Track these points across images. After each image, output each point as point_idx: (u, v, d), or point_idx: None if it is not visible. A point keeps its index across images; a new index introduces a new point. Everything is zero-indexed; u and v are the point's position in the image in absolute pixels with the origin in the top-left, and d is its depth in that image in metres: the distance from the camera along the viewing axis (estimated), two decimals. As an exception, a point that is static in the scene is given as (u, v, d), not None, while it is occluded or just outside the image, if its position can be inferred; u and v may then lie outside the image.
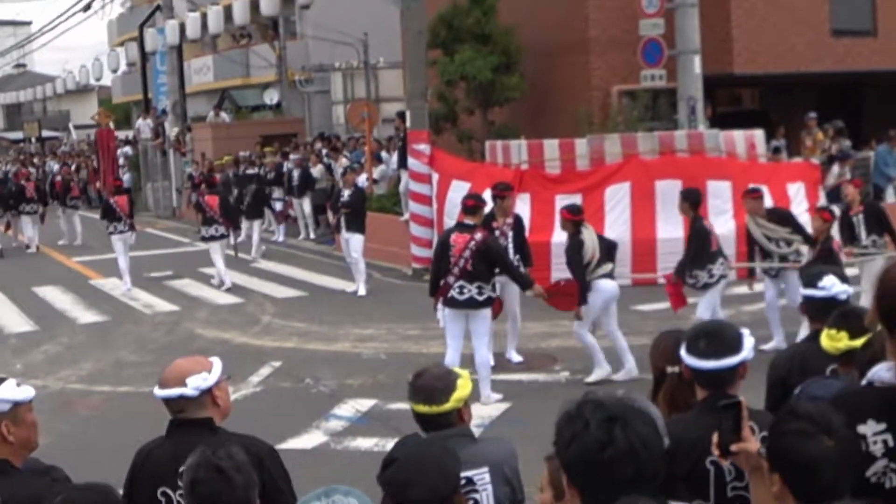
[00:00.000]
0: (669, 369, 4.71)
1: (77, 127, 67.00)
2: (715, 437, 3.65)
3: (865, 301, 10.86)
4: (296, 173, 27.84)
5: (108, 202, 22.23)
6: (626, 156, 19.27)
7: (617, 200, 18.79)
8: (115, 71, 51.94)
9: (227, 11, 34.47)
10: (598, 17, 26.20)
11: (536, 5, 27.30)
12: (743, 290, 14.99)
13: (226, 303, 19.59)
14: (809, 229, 14.19)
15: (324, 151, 29.99)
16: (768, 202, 16.71)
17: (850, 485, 3.43)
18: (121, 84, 60.18)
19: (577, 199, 18.83)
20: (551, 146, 19.85)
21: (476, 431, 5.34)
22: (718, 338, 4.36)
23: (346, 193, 19.61)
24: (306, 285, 21.12)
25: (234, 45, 48.54)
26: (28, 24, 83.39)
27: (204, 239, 21.32)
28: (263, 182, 28.32)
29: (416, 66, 22.09)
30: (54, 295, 21.50)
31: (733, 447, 3.60)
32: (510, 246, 13.48)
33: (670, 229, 17.57)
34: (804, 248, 13.74)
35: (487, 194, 14.05)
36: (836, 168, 22.30)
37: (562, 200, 18.69)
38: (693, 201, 13.35)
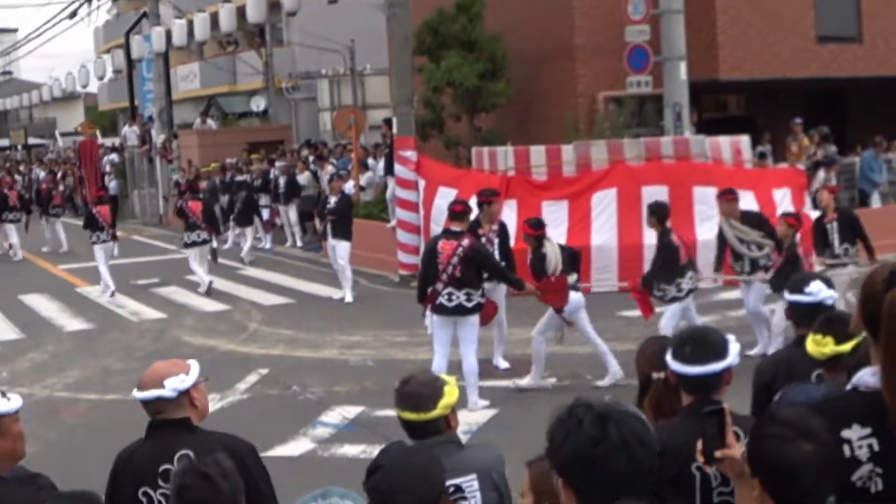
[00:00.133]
0: (655, 375, 4.72)
1: (63, 134, 66.89)
2: (699, 444, 3.66)
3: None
4: (282, 180, 27.83)
5: (90, 212, 22.38)
6: (612, 162, 19.31)
7: (603, 207, 18.83)
8: (101, 78, 51.76)
9: (214, 18, 34.42)
10: (584, 24, 26.24)
11: (522, 12, 27.33)
12: (728, 295, 15.02)
13: (213, 310, 19.56)
14: None
15: (310, 158, 29.99)
16: (755, 207, 16.80)
17: (830, 489, 3.45)
18: (107, 91, 60.07)
19: (563, 206, 18.93)
20: (538, 152, 19.87)
21: (463, 438, 5.36)
22: (704, 343, 4.37)
23: (333, 200, 19.61)
24: (293, 292, 21.10)
25: (221, 52, 48.50)
26: (14, 31, 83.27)
27: (186, 245, 21.37)
28: (252, 189, 28.33)
29: (402, 72, 22.10)
30: (40, 303, 21.44)
31: (717, 453, 3.60)
32: (496, 253, 13.49)
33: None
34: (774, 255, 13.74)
35: (474, 201, 14.06)
36: (821, 174, 22.35)
37: (549, 207, 18.78)
38: (661, 215, 13.20)
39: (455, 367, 11.90)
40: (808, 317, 5.76)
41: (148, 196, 38.51)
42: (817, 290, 6.09)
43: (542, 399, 12.10)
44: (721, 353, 4.33)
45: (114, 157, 43.25)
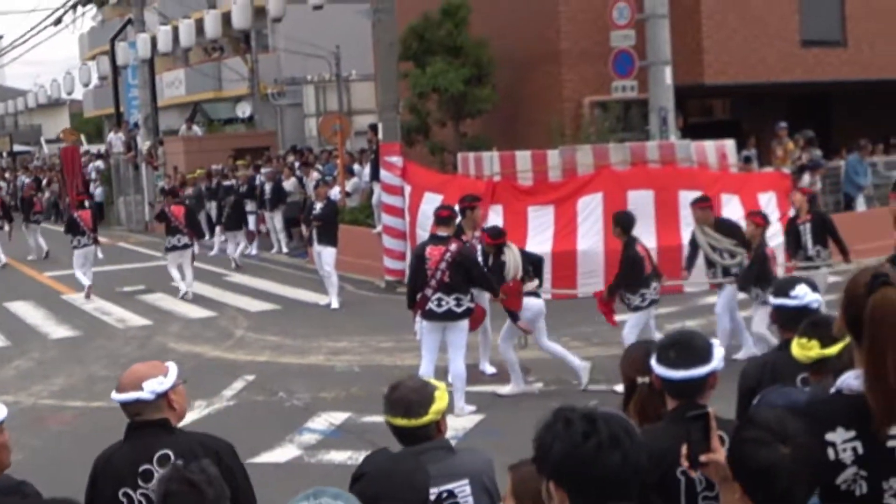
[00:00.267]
0: (640, 380, 4.73)
1: (49, 141, 66.67)
2: (684, 449, 3.66)
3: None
4: (268, 187, 27.78)
5: (72, 216, 22.59)
6: (598, 167, 19.33)
7: (589, 211, 18.85)
8: (86, 85, 51.63)
9: (199, 25, 34.39)
10: (570, 29, 26.26)
11: (508, 17, 27.35)
12: (714, 300, 15.01)
13: (198, 317, 19.53)
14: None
15: (296, 164, 29.97)
16: (740, 211, 16.85)
17: (806, 492, 3.45)
18: (92, 98, 59.94)
19: (549, 211, 18.94)
20: (523, 158, 19.88)
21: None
22: (688, 348, 4.38)
23: (319, 206, 19.60)
24: (279, 298, 21.08)
25: (206, 58, 48.46)
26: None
27: (167, 249, 21.40)
28: (238, 195, 28.30)
29: (387, 78, 22.10)
30: (26, 310, 21.38)
31: (703, 457, 3.61)
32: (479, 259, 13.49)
33: (643, 240, 17.54)
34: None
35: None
36: (806, 177, 22.40)
37: (534, 212, 18.81)
38: (624, 226, 13.11)
39: (441, 373, 11.90)
40: (793, 320, 5.76)
41: (133, 203, 38.44)
42: (803, 294, 6.11)
43: (529, 404, 12.11)
44: (705, 357, 4.34)
45: (99, 163, 43.18)
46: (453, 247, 11.91)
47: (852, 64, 27.47)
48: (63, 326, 19.42)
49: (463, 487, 4.83)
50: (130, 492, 4.83)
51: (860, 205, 24.01)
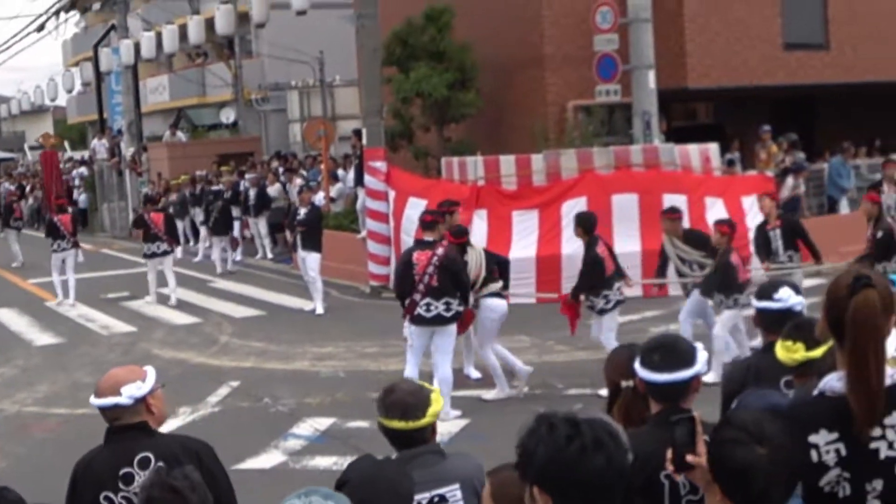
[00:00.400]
0: (624, 383, 4.72)
1: (32, 148, 66.54)
2: (669, 453, 3.66)
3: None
4: (252, 192, 27.76)
5: (51, 220, 22.65)
6: (582, 171, 19.33)
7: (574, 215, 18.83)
8: (70, 91, 51.61)
9: (183, 31, 34.30)
10: (554, 34, 26.27)
11: (492, 22, 27.34)
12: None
13: (183, 323, 19.50)
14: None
15: (280, 170, 29.94)
16: (723, 214, 16.86)
17: (783, 493, 3.46)
18: (76, 104, 59.86)
19: (534, 215, 18.93)
20: (507, 162, 19.88)
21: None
22: (672, 351, 4.38)
23: (303, 212, 19.60)
24: (264, 304, 21.06)
25: (190, 64, 48.40)
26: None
27: (146, 256, 21.38)
28: (225, 200, 28.28)
29: (371, 83, 22.10)
30: (9, 317, 21.32)
31: (689, 458, 3.60)
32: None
33: (627, 243, 17.61)
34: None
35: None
36: (790, 180, 22.48)
37: (519, 216, 18.81)
38: (586, 226, 13.15)
39: (425, 377, 11.89)
40: (777, 323, 5.75)
41: (117, 209, 38.36)
42: (787, 297, 6.10)
43: (514, 408, 12.11)
44: (689, 360, 4.34)
45: (83, 170, 43.09)
46: (440, 251, 11.93)
47: (835, 67, 27.54)
48: (47, 333, 19.37)
49: (454, 492, 4.84)
50: (111, 495, 4.84)
51: (844, 207, 24.09)
